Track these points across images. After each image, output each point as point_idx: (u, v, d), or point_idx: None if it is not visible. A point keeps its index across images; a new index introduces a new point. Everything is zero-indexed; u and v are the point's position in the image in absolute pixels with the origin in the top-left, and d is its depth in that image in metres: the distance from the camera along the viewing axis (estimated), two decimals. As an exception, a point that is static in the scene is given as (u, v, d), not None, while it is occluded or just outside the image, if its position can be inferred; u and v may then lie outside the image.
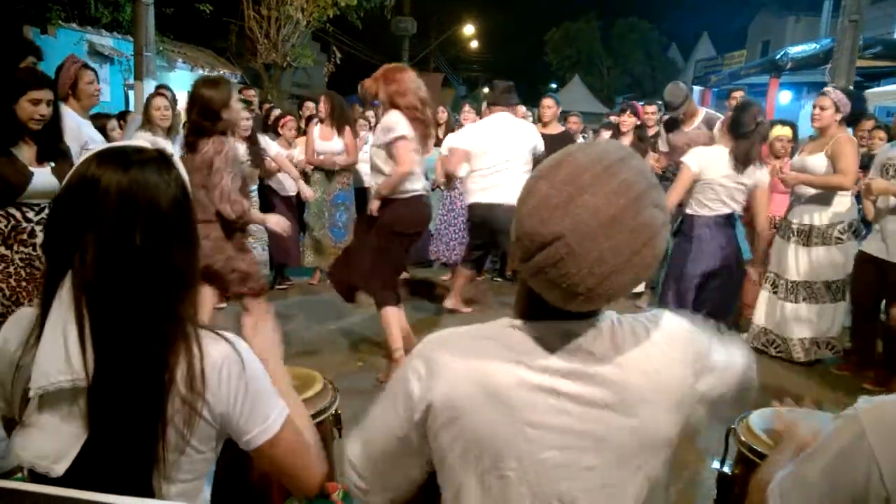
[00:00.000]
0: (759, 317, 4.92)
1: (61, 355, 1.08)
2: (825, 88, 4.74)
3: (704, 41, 29.55)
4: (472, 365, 1.08)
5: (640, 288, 6.17)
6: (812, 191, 4.58)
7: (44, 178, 3.02)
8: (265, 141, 5.94)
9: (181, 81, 14.08)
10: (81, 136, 3.84)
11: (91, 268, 1.08)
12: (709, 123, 5.90)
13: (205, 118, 3.35)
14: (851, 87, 8.21)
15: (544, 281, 1.02)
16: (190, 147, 3.41)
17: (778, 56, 11.03)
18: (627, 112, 6.39)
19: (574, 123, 7.46)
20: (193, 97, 3.42)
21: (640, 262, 1.01)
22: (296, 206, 6.30)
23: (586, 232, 0.97)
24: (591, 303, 1.04)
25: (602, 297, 1.02)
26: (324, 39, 18.50)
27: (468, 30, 30.38)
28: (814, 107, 4.60)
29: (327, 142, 6.17)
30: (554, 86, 34.64)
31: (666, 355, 1.12)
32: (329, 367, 4.38)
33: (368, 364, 4.52)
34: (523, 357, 1.08)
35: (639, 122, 6.43)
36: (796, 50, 10.62)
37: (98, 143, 4.15)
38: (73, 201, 1.11)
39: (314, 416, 2.03)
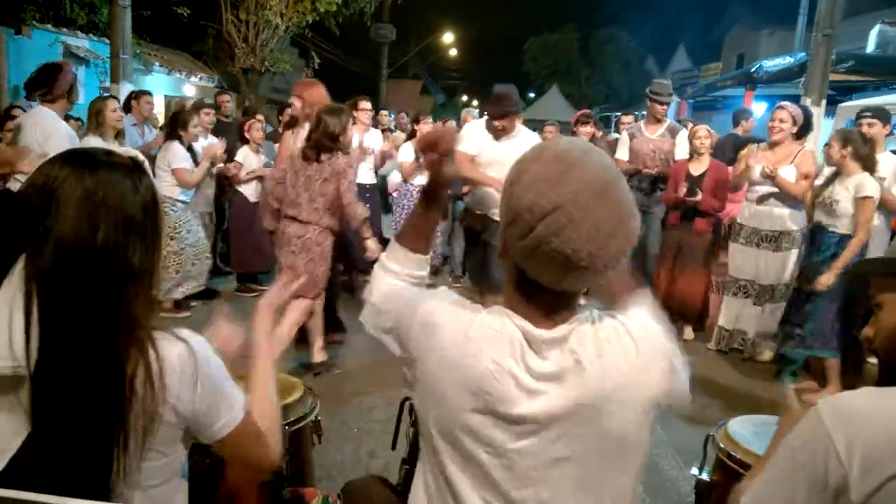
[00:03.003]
0: (727, 320, 5.26)
1: (5, 341, 1.06)
2: (782, 103, 5.09)
3: (680, 53, 29.93)
4: (462, 346, 1.15)
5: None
6: (772, 200, 4.90)
7: None
8: (243, 154, 6.14)
9: (158, 85, 13.96)
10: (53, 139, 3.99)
11: (48, 258, 1.08)
12: (672, 132, 6.02)
13: (328, 139, 4.10)
14: (824, 101, 8.41)
15: (545, 254, 1.08)
16: (311, 159, 4.16)
17: (753, 69, 11.19)
18: (583, 123, 6.39)
19: (549, 133, 7.53)
20: (318, 120, 4.15)
21: (627, 230, 1.11)
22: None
23: (582, 201, 1.06)
24: (589, 274, 1.10)
25: (600, 265, 1.09)
26: (302, 45, 18.44)
27: (447, 38, 30.46)
28: (772, 120, 4.94)
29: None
30: (532, 95, 34.86)
31: (643, 357, 1.17)
32: (307, 377, 4.36)
33: (346, 371, 4.49)
34: (516, 353, 1.13)
35: (593, 133, 6.47)
36: (771, 63, 10.79)
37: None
38: (35, 195, 1.10)
39: (294, 423, 2.02)
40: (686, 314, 5.56)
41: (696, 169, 5.40)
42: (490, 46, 35.83)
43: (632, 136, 6.16)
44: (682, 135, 5.99)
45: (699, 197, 5.22)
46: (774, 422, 1.69)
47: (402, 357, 1.24)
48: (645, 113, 6.47)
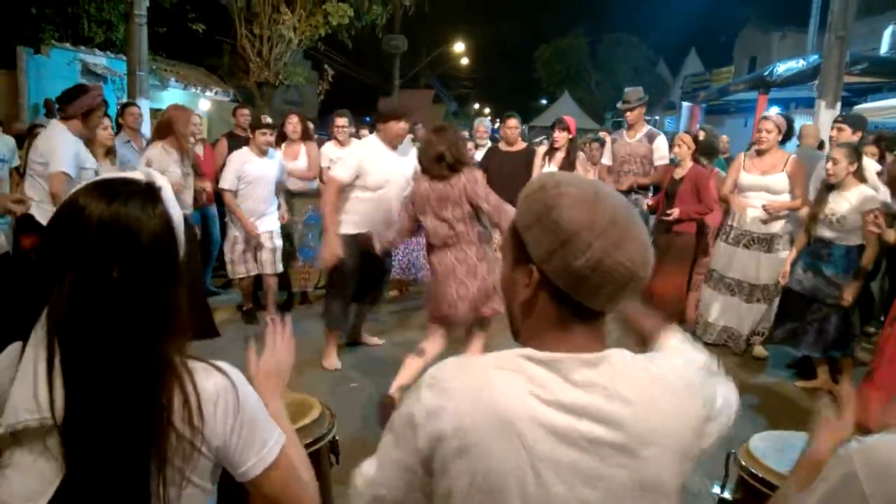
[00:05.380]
0: (718, 317, 5.38)
1: (30, 392, 1.06)
2: (766, 113, 5.51)
3: (692, 57, 29.81)
4: (484, 395, 1.06)
5: None
6: (761, 202, 5.08)
7: None
8: None
9: (174, 100, 14.07)
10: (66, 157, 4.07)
11: (64, 302, 1.06)
12: (650, 137, 6.17)
13: (452, 159, 3.75)
14: (839, 103, 8.36)
15: (606, 270, 1.06)
16: (441, 179, 3.77)
17: (766, 72, 11.14)
18: (559, 128, 6.39)
19: (560, 137, 7.52)
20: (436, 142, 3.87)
21: (650, 246, 1.14)
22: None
23: (623, 216, 1.10)
24: (638, 287, 1.11)
25: (648, 275, 1.11)
26: (315, 57, 18.58)
27: (458, 47, 30.55)
28: (758, 130, 5.22)
29: (293, 161, 6.26)
30: (544, 102, 34.81)
31: (678, 401, 1.11)
32: (321, 387, 4.39)
33: (361, 384, 4.51)
34: (538, 390, 1.06)
35: (571, 137, 6.43)
36: (784, 66, 10.74)
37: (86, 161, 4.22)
38: (57, 232, 1.10)
39: (311, 444, 2.01)
40: (663, 312, 5.56)
41: (678, 174, 5.60)
42: (501, 54, 35.85)
43: (613, 141, 6.50)
44: (660, 140, 6.29)
45: (675, 215, 5.39)
46: (797, 438, 1.69)
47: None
48: (658, 118, 6.66)
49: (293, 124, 6.29)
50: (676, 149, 5.65)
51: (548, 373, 1.07)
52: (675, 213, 5.39)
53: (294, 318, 5.88)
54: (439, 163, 3.76)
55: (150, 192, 1.15)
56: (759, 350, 5.29)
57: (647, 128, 6.40)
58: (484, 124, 7.73)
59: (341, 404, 3.95)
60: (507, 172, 6.08)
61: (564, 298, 1.10)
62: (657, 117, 22.16)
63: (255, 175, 5.45)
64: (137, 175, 1.18)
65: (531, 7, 34.33)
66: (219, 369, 1.18)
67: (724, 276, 5.30)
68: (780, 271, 4.81)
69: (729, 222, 5.31)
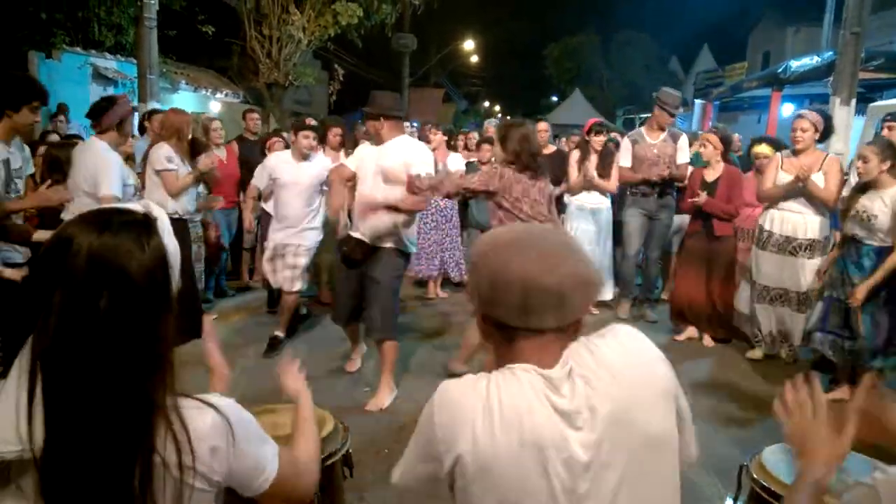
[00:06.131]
0: (763, 325, 5.21)
1: (12, 423, 1.02)
2: (802, 111, 5.07)
3: (705, 53, 29.62)
4: (497, 412, 1.14)
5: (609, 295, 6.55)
6: (797, 206, 4.89)
7: None
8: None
9: (184, 102, 14.14)
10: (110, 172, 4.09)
11: (50, 332, 1.03)
12: (674, 137, 6.05)
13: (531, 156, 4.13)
14: (854, 100, 8.25)
15: (501, 289, 1.20)
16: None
17: (780, 69, 11.01)
18: (597, 132, 6.34)
19: (572, 143, 7.53)
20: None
21: (577, 259, 1.25)
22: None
23: (528, 240, 1.26)
24: (567, 299, 1.20)
25: (551, 288, 1.19)
26: (325, 57, 18.60)
27: (468, 45, 30.48)
28: (794, 129, 4.90)
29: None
30: (555, 99, 34.72)
31: (646, 355, 1.27)
32: (335, 390, 4.40)
33: (374, 388, 4.48)
34: (541, 395, 1.16)
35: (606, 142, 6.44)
36: (798, 63, 10.60)
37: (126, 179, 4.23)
38: (46, 260, 1.07)
39: (325, 459, 2.01)
40: (710, 322, 5.61)
41: (710, 175, 5.46)
42: (510, 52, 35.73)
43: (634, 143, 6.21)
44: (683, 140, 6.16)
45: (702, 200, 5.28)
46: None
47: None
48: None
49: (335, 133, 6.19)
50: (702, 149, 5.53)
51: (542, 381, 1.17)
52: (701, 198, 5.27)
53: (315, 319, 5.88)
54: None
55: (145, 224, 1.13)
56: (755, 353, 5.25)
57: (668, 128, 6.26)
58: (494, 125, 7.69)
59: (354, 406, 3.97)
60: None
61: (504, 327, 1.22)
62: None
63: (287, 179, 5.22)
64: (135, 206, 1.16)
65: (540, 4, 34.17)
66: (210, 405, 1.15)
67: (768, 286, 5.12)
68: (815, 272, 4.73)
69: (764, 226, 5.08)
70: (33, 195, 3.56)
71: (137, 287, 1.07)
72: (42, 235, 3.11)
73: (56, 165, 4.60)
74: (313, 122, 5.74)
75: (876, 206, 4.17)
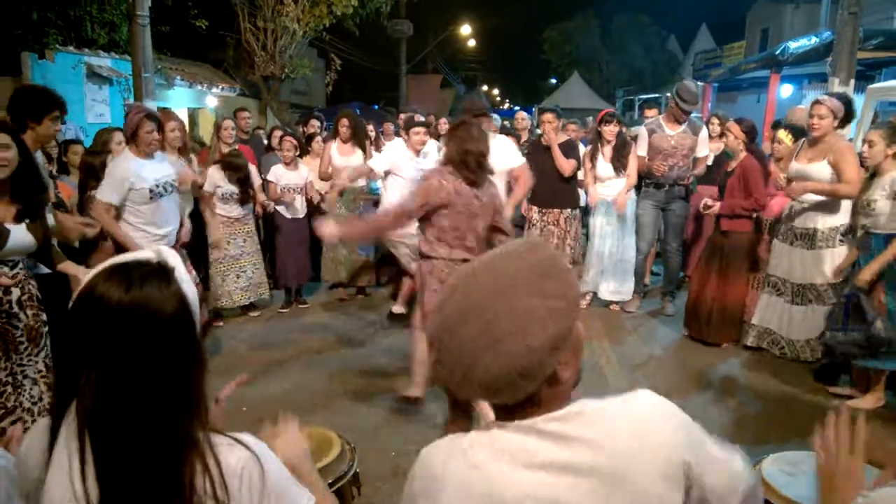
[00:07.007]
0: (761, 318, 5.15)
1: (67, 485, 1.08)
2: (820, 97, 4.81)
3: (703, 33, 29.37)
4: (472, 477, 1.09)
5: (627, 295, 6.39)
6: (814, 197, 4.71)
7: (20, 235, 2.93)
8: (276, 173, 6.21)
9: (180, 98, 14.08)
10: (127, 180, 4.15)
11: (92, 392, 1.08)
12: (694, 129, 5.98)
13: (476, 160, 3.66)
14: (853, 80, 8.18)
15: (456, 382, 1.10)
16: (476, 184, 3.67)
17: (778, 51, 10.93)
18: (607, 122, 6.18)
19: (573, 131, 7.46)
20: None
21: (505, 348, 1.04)
22: (307, 228, 6.25)
23: (449, 324, 1.09)
24: (491, 389, 1.07)
25: (480, 380, 1.05)
26: (320, 47, 18.49)
27: (465, 29, 30.27)
28: (811, 116, 4.69)
29: (346, 157, 6.34)
30: (554, 81, 34.53)
31: (653, 424, 1.10)
32: (346, 386, 4.42)
33: (388, 384, 4.52)
34: (516, 456, 1.08)
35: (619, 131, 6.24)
36: (796, 44, 10.52)
37: (144, 181, 4.21)
38: (79, 320, 1.11)
39: (335, 482, 2.03)
40: (725, 321, 5.41)
41: (731, 165, 5.37)
42: (508, 35, 35.60)
43: (651, 132, 6.10)
44: (704, 133, 6.07)
45: (714, 210, 5.27)
46: (809, 459, 1.64)
47: None
48: (668, 96, 6.38)
49: (345, 126, 6.39)
50: (724, 139, 5.44)
51: (520, 438, 1.08)
52: (715, 208, 5.22)
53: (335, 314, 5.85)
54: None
55: (163, 273, 1.16)
56: (809, 355, 4.91)
57: (688, 119, 6.10)
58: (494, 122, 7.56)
59: (362, 411, 3.99)
60: (551, 168, 6.04)
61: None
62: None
63: (407, 176, 5.30)
64: (149, 255, 1.19)
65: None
66: (241, 443, 1.19)
67: (770, 275, 5.02)
68: (833, 269, 4.57)
69: (782, 215, 4.96)
70: (69, 229, 3.56)
71: (168, 335, 1.12)
72: (67, 268, 3.15)
73: (91, 171, 4.75)
74: (422, 118, 5.98)
75: (876, 191, 4.05)
